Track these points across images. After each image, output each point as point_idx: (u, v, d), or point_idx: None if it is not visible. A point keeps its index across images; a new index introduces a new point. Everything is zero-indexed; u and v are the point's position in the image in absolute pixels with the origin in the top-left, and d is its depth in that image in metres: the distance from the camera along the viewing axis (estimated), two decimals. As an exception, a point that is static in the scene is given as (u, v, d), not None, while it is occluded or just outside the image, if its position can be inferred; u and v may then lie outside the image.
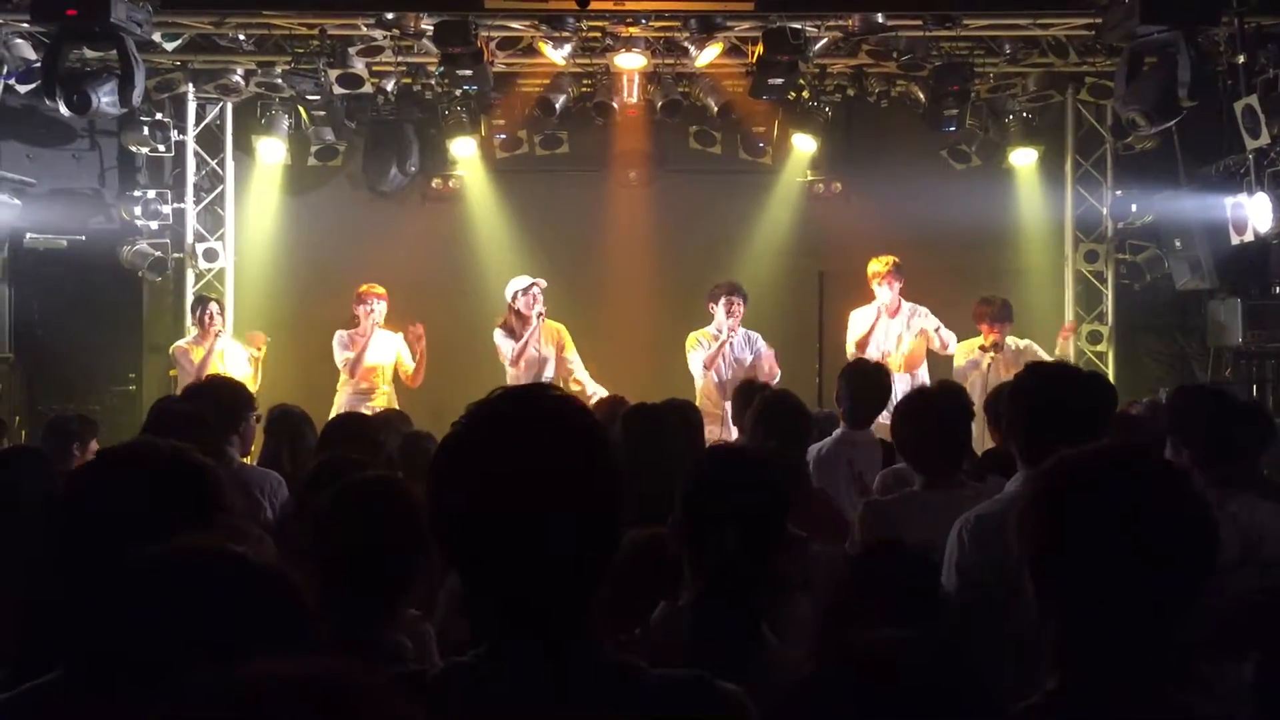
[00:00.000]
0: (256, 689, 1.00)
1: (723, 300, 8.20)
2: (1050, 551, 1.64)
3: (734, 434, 6.77)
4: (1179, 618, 1.64)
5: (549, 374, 8.25)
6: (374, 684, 1.05)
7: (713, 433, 7.67)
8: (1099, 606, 1.60)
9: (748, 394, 5.67)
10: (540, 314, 8.25)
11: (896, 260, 8.34)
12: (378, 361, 8.46)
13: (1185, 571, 1.61)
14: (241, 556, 1.54)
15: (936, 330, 8.35)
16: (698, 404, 7.96)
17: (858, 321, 8.42)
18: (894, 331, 8.35)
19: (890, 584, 2.42)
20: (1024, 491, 1.78)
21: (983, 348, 8.32)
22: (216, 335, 8.60)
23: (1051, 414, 3.02)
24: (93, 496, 1.87)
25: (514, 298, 8.34)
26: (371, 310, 8.41)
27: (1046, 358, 8.09)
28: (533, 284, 8.32)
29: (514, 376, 8.25)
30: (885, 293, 8.32)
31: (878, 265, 8.35)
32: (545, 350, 8.34)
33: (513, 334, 8.33)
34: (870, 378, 5.33)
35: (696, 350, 8.24)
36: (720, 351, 8.19)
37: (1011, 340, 8.53)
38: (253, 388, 8.38)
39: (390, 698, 1.05)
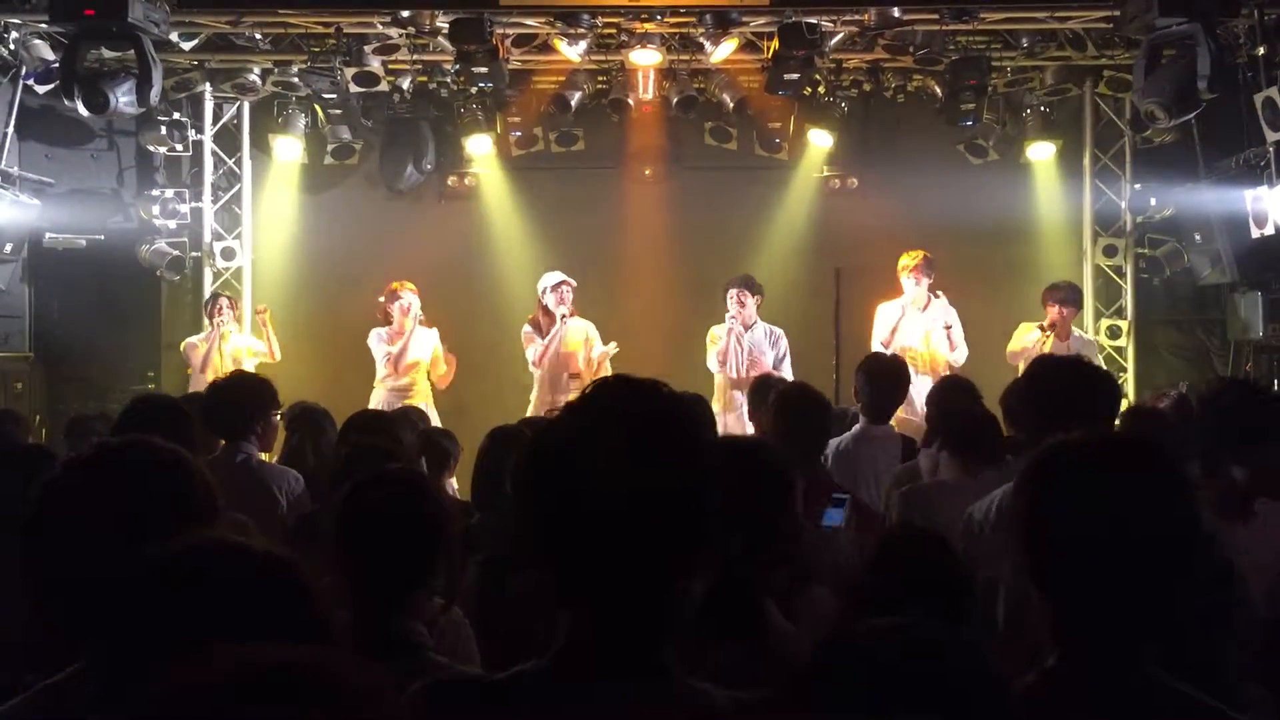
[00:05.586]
0: (231, 675, 0.99)
1: (731, 293, 8.18)
2: (1035, 534, 1.68)
3: (749, 428, 6.74)
4: (1168, 601, 1.66)
5: (575, 370, 8.21)
6: (354, 672, 1.03)
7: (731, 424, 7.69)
8: (1084, 589, 1.63)
9: (763, 389, 5.65)
10: (564, 315, 8.17)
11: (927, 255, 8.11)
12: (418, 357, 8.36)
13: (1166, 556, 1.63)
14: (248, 548, 1.52)
15: (948, 329, 8.00)
16: (717, 398, 8.00)
17: (884, 317, 8.19)
18: (921, 328, 8.07)
19: (911, 570, 2.41)
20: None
21: (1041, 326, 8.25)
22: (219, 327, 8.65)
23: (1062, 407, 3.02)
24: (55, 502, 1.78)
25: (544, 293, 8.29)
26: (408, 306, 8.28)
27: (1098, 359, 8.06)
28: (562, 281, 8.25)
29: (539, 376, 8.25)
30: (912, 286, 8.07)
31: (907, 259, 8.12)
32: (571, 347, 8.27)
33: (539, 330, 8.28)
34: (888, 371, 5.30)
35: (713, 346, 8.21)
36: (730, 344, 8.12)
37: (1080, 332, 8.52)
38: (271, 362, 8.58)
39: (372, 688, 1.03)
